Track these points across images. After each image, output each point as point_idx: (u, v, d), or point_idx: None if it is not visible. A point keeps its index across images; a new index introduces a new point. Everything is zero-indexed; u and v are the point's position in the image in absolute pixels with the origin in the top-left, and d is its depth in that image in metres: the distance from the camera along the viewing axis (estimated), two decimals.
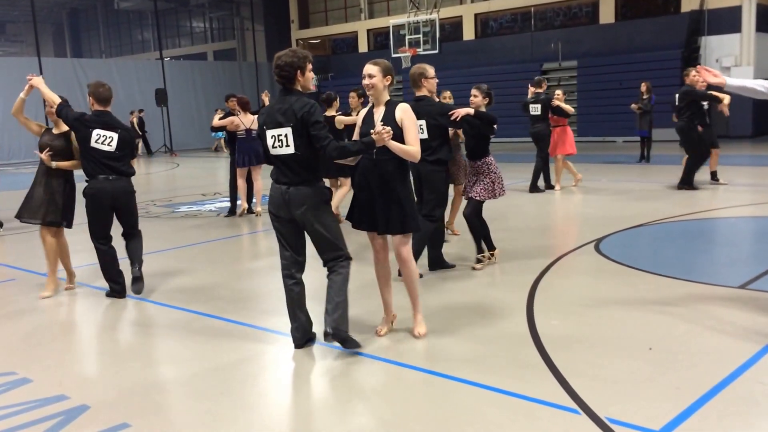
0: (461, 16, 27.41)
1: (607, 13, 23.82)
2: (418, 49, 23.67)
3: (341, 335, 4.34)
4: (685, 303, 5.22)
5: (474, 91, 6.47)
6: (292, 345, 4.58)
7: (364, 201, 4.59)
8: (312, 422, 3.56)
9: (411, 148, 4.44)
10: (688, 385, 3.71)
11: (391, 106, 4.52)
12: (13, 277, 7.06)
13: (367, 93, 4.56)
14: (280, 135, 4.27)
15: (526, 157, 17.98)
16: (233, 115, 10.29)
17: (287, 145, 4.27)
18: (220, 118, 10.45)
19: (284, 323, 4.75)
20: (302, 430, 3.47)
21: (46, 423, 3.59)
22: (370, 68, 4.50)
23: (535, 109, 11.20)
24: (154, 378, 4.23)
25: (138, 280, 6.15)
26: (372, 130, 4.26)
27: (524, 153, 19.02)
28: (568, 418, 3.39)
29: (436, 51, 23.49)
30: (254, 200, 10.50)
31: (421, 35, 23.84)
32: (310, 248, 4.53)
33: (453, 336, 4.69)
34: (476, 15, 27.18)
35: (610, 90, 21.87)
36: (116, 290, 6.07)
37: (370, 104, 4.68)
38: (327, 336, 4.38)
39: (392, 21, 25.30)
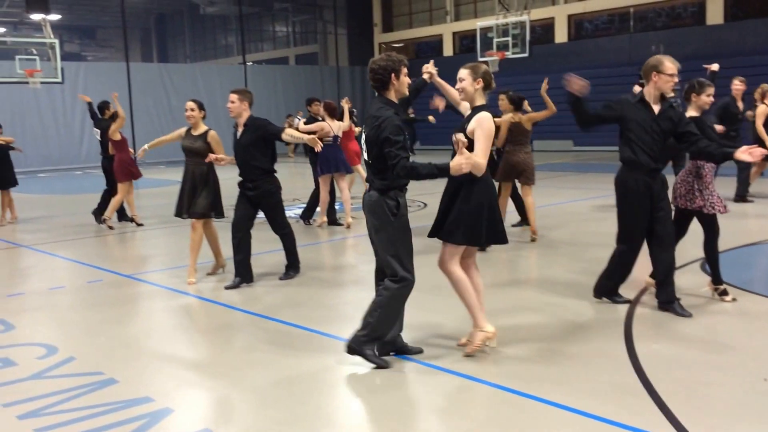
0: (553, 18, 27.00)
1: (714, 13, 22.91)
2: (506, 53, 23.44)
3: (357, 351, 4.46)
4: None
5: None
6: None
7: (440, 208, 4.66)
8: None
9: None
10: None
11: (473, 113, 4.51)
12: (100, 278, 7.42)
13: (459, 96, 4.69)
14: (364, 140, 4.46)
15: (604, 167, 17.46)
16: (315, 119, 10.34)
17: (365, 151, 4.43)
18: (305, 122, 10.43)
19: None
20: None
21: (131, 424, 3.75)
22: (461, 72, 4.61)
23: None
24: (235, 384, 4.34)
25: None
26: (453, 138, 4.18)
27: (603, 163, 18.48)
28: None
29: (526, 54, 23.19)
30: (341, 211, 10.50)
31: (510, 38, 23.58)
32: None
33: (543, 356, 4.60)
34: (569, 16, 26.71)
35: (718, 96, 20.92)
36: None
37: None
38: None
39: (479, 23, 25.17)
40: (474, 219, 4.48)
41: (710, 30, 22.88)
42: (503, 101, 8.65)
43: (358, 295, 6.11)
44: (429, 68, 5.10)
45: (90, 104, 11.40)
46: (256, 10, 36.92)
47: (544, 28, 27.31)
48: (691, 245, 7.92)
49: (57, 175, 22.75)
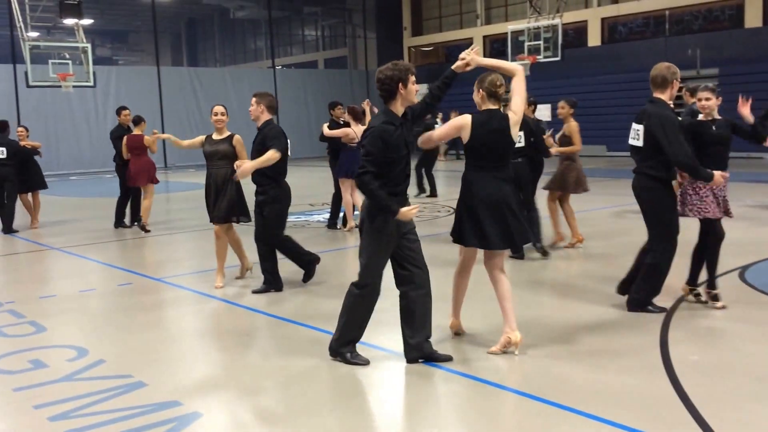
0: (586, 21, 26.76)
1: (753, 16, 22.53)
2: (538, 57, 23.29)
3: (337, 353, 4.70)
4: None
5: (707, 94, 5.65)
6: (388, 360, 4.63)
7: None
8: None
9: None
10: None
11: None
12: (131, 281, 7.51)
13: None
14: None
15: None
16: (338, 124, 10.40)
17: None
18: (329, 127, 10.48)
19: (387, 339, 4.80)
20: None
21: (159, 428, 3.79)
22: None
23: None
24: (263, 389, 4.37)
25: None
26: None
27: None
28: None
29: (558, 58, 23.01)
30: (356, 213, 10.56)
31: (541, 41, 23.44)
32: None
33: (575, 364, 4.56)
34: (603, 19, 26.45)
35: (758, 101, 20.55)
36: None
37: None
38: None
39: (510, 27, 25.06)
40: (458, 220, 4.81)
41: (748, 33, 22.50)
42: (564, 108, 8.41)
43: (383, 303, 6.08)
44: (469, 54, 4.72)
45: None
46: (285, 14, 37.21)
47: (577, 32, 27.09)
48: (729, 255, 7.81)
49: (88, 177, 23.13)
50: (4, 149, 10.94)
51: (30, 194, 11.66)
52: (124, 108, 11.36)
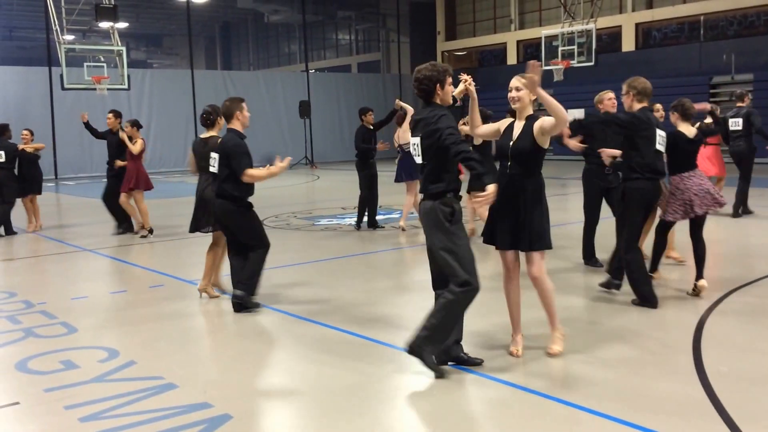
0: (620, 26, 26.44)
1: None
2: (571, 61, 23.05)
3: (417, 352, 4.43)
4: None
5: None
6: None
7: (503, 218, 4.74)
8: None
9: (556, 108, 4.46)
10: None
11: (530, 121, 4.69)
12: (162, 283, 7.55)
13: (513, 105, 4.76)
14: (414, 144, 4.55)
15: None
16: (368, 130, 10.42)
17: (417, 155, 4.54)
18: (364, 134, 10.48)
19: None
20: None
21: (190, 430, 3.78)
22: (517, 81, 4.72)
23: (736, 124, 10.64)
24: (295, 392, 4.34)
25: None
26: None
27: None
28: None
29: (592, 63, 22.76)
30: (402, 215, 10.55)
31: (575, 46, 23.19)
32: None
33: (606, 369, 4.48)
34: (637, 24, 26.11)
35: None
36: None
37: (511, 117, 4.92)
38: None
39: (544, 32, 24.83)
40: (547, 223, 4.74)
41: None
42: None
43: (413, 308, 6.03)
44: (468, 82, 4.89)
45: (87, 123, 11.18)
46: (319, 18, 37.40)
47: (611, 37, 26.78)
48: (763, 260, 7.61)
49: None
50: (2, 152, 11.01)
51: (22, 198, 11.37)
52: (110, 111, 10.99)
